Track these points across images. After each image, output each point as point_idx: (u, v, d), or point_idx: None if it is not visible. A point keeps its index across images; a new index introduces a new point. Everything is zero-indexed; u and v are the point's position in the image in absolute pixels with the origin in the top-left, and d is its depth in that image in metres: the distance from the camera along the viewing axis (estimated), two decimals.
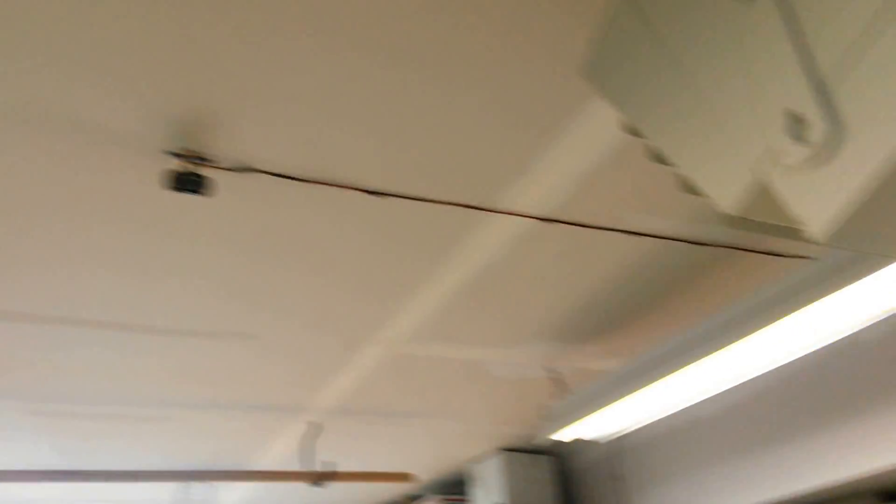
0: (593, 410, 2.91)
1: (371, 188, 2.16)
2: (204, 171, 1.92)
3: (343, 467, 4.63)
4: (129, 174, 1.98)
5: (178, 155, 1.89)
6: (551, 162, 2.09)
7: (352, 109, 1.83)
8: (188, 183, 1.89)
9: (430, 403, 4.06)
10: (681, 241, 2.52)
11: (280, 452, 4.63)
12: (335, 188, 2.14)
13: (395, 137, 1.94)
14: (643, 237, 2.48)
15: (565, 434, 3.16)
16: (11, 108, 1.72)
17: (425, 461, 5.15)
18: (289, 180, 2.07)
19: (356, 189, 2.14)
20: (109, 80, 1.67)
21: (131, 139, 1.86)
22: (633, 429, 3.85)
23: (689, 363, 2.57)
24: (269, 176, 2.04)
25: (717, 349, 2.46)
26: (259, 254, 2.44)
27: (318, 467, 4.27)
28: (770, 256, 2.65)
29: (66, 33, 1.54)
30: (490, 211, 2.30)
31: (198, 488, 5.06)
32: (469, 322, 3.03)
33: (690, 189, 1.17)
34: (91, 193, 2.06)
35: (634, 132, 1.25)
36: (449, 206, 2.28)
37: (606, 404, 2.85)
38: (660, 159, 1.22)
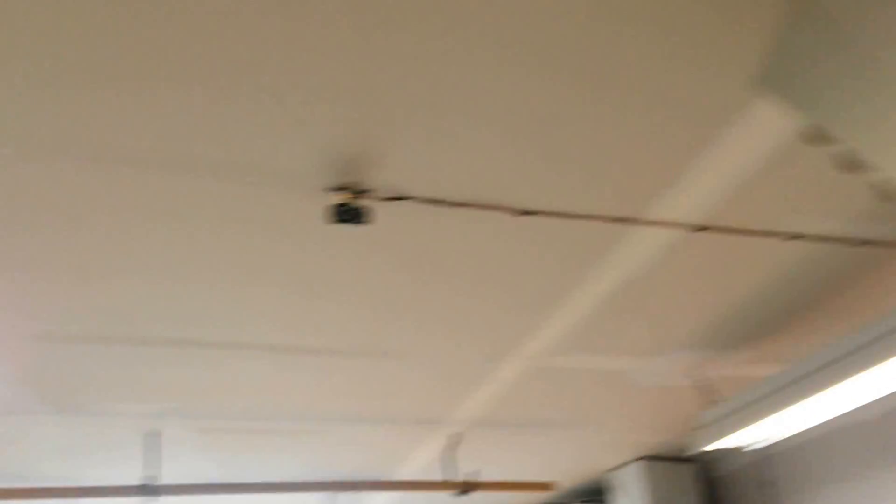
0: (751, 421, 2.81)
1: (519, 207, 2.18)
2: (363, 203, 2.01)
3: (483, 476, 4.68)
4: (292, 208, 2.10)
5: (338, 189, 1.99)
6: (705, 169, 2.04)
7: (500, 130, 1.86)
8: (348, 216, 1.98)
9: (571, 413, 4.03)
10: (843, 241, 2.39)
11: (422, 463, 4.74)
12: (482, 210, 2.18)
13: (543, 153, 1.96)
14: (800, 240, 2.38)
15: (720, 443, 3.06)
16: (179, 156, 1.87)
17: (565, 470, 5.12)
18: (438, 205, 2.13)
19: (504, 209, 2.17)
20: (276, 123, 1.77)
21: (294, 177, 1.97)
22: (786, 436, 3.68)
23: (853, 373, 2.44)
24: (421, 202, 2.11)
25: (883, 358, 2.32)
26: (409, 274, 2.51)
27: (461, 477, 4.33)
28: None
29: (233, 79, 1.64)
30: (640, 223, 2.28)
31: (344, 498, 5.26)
32: (613, 332, 3.00)
33: (891, 195, 1.12)
34: (257, 225, 2.19)
35: (817, 140, 1.21)
36: (594, 220, 2.27)
37: (765, 415, 2.74)
38: (850, 167, 1.17)
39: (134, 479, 4.61)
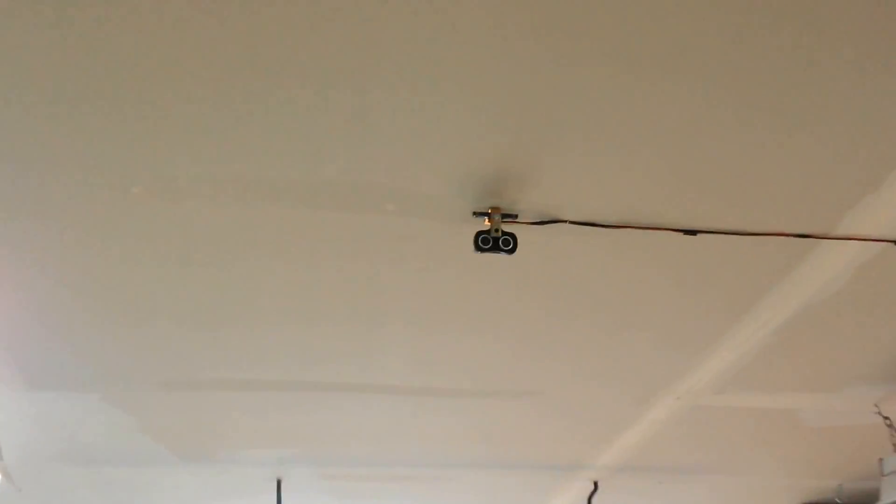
0: None
1: (680, 227, 1.92)
2: (511, 228, 1.80)
3: None
4: (428, 236, 1.92)
5: (483, 214, 1.79)
6: None
7: (658, 144, 1.61)
8: (497, 243, 1.78)
9: (723, 457, 3.65)
10: None
11: None
12: (640, 231, 1.93)
13: (706, 166, 1.69)
14: None
15: None
16: (307, 184, 1.72)
17: None
18: (592, 228, 1.89)
19: (665, 230, 1.91)
20: (419, 143, 1.60)
21: (434, 203, 1.79)
22: None
23: None
24: (572, 225, 1.88)
25: None
26: (552, 306, 2.29)
27: None
28: None
29: (370, 97, 1.47)
30: (825, 238, 1.96)
31: None
32: (783, 366, 2.65)
33: None
34: (386, 258, 2.02)
35: None
36: (770, 239, 1.97)
37: None
38: None
39: None
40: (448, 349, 2.52)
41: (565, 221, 1.86)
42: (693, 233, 1.93)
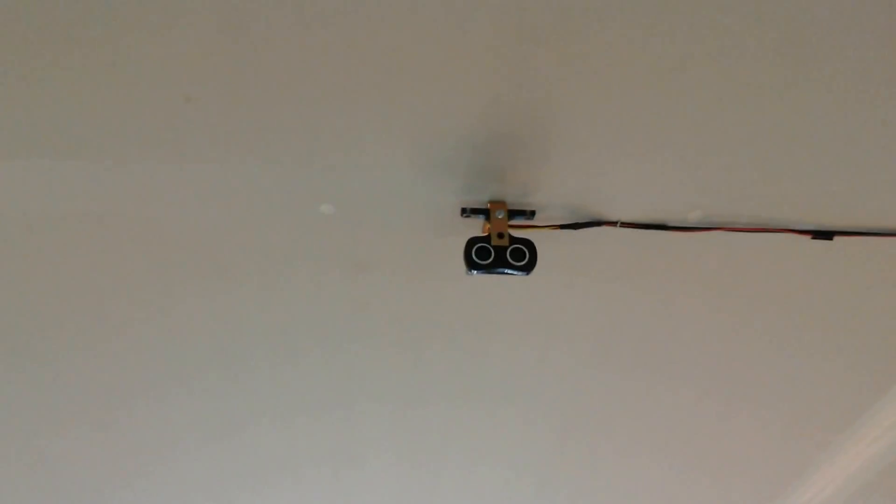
0: None
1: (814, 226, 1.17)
2: (524, 234, 1.07)
3: None
4: (398, 254, 1.19)
5: (480, 212, 1.07)
6: None
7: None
8: (502, 256, 1.04)
9: None
10: None
11: None
12: (750, 235, 1.19)
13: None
14: None
15: None
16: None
17: None
18: (660, 233, 1.16)
19: (791, 231, 1.16)
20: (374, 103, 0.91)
21: (405, 198, 1.08)
22: None
23: None
24: (626, 229, 1.15)
25: None
26: (587, 387, 1.50)
27: None
28: None
29: None
30: None
31: None
32: None
33: None
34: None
35: None
36: None
37: None
38: None
39: None
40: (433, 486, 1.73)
41: (615, 223, 1.13)
42: (829, 236, 1.17)
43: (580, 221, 1.12)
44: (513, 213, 1.09)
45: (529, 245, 1.06)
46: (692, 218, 1.15)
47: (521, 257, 1.05)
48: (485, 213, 1.08)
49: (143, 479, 1.80)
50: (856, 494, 1.99)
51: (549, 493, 1.93)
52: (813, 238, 1.17)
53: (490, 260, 1.05)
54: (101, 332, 1.30)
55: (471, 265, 1.04)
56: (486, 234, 1.07)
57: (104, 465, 1.72)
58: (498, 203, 1.08)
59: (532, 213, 1.09)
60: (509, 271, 1.05)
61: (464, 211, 1.08)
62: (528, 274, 1.06)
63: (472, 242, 1.05)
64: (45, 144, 0.97)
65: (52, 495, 1.83)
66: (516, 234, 1.07)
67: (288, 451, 1.71)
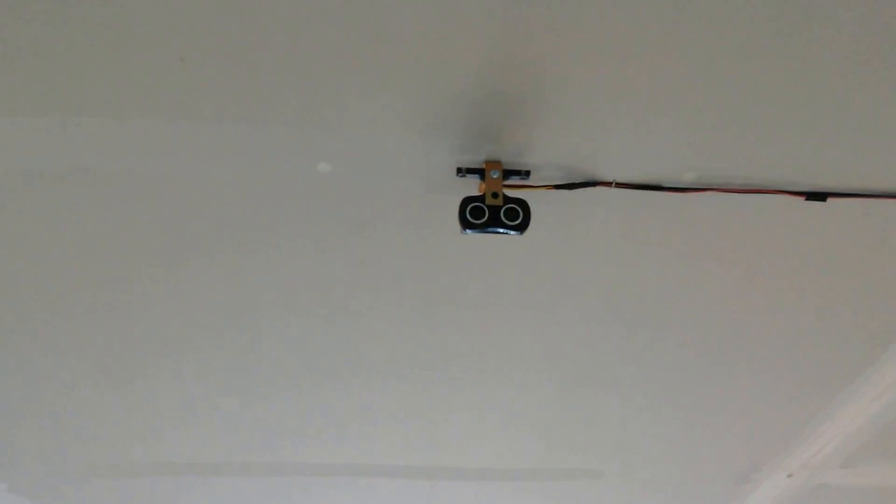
0: None
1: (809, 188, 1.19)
2: (519, 194, 1.10)
3: None
4: (396, 210, 1.22)
5: (475, 172, 1.10)
6: None
7: None
8: (497, 216, 1.07)
9: None
10: None
11: None
12: (743, 196, 1.21)
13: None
14: None
15: None
16: None
17: None
18: (657, 193, 1.18)
19: (786, 193, 1.18)
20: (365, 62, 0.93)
21: (402, 158, 1.11)
22: None
23: None
24: (621, 189, 1.17)
25: None
26: (600, 334, 1.54)
27: None
28: None
29: None
30: None
31: None
32: None
33: None
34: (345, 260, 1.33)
35: None
36: None
37: None
38: None
39: None
40: (452, 417, 1.78)
41: (610, 184, 1.15)
42: (822, 197, 1.19)
43: (575, 182, 1.15)
44: (508, 173, 1.11)
45: (523, 205, 1.09)
46: (687, 179, 1.17)
47: (515, 217, 1.08)
48: (480, 172, 1.10)
49: (154, 433, 1.88)
50: (856, 452, 2.04)
51: (553, 448, 1.99)
52: (806, 199, 1.18)
53: (484, 219, 1.08)
54: (93, 293, 1.36)
55: (465, 224, 1.07)
56: (481, 193, 1.10)
57: (117, 420, 1.80)
58: (493, 163, 1.11)
59: (527, 174, 1.12)
60: (503, 231, 1.08)
61: (459, 171, 1.11)
62: (521, 233, 1.09)
63: (466, 202, 1.08)
64: (43, 102, 1.01)
65: (68, 448, 1.92)
66: (511, 193, 1.10)
67: (292, 409, 1.78)
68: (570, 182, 1.14)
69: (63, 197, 1.15)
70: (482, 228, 1.07)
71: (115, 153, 1.08)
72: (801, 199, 1.18)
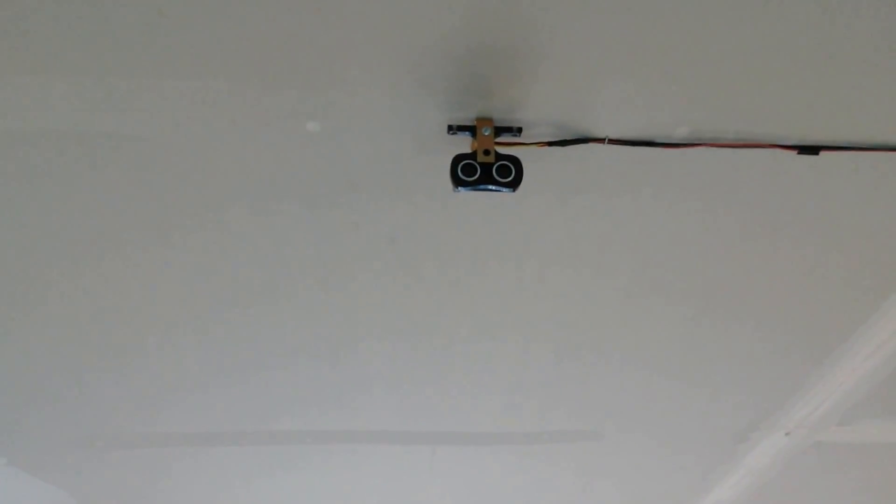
0: None
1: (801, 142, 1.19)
2: (511, 151, 1.10)
3: None
4: (385, 172, 1.22)
5: (467, 129, 1.09)
6: None
7: None
8: (489, 173, 1.07)
9: None
10: None
11: None
12: (735, 150, 1.21)
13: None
14: None
15: None
16: None
17: None
18: (650, 149, 1.18)
19: (779, 147, 1.18)
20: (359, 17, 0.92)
21: (393, 116, 1.10)
22: None
23: None
24: (614, 146, 1.17)
25: None
26: (597, 295, 1.55)
27: None
28: None
29: None
30: None
31: None
32: None
33: None
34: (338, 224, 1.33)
35: None
36: None
37: None
38: None
39: None
40: (453, 380, 1.80)
41: (602, 140, 1.15)
42: (815, 151, 1.19)
43: (567, 138, 1.15)
44: (499, 130, 1.11)
45: (515, 161, 1.09)
46: (679, 134, 1.17)
47: (507, 174, 1.08)
48: (471, 130, 1.10)
49: (152, 405, 1.90)
50: (853, 409, 2.06)
51: (552, 411, 2.01)
52: (799, 153, 1.18)
53: (476, 177, 1.08)
54: (87, 264, 1.36)
55: (457, 182, 1.08)
56: (472, 151, 1.10)
57: (114, 393, 1.81)
58: (484, 120, 1.11)
59: (519, 130, 1.12)
60: (495, 188, 1.08)
61: (450, 128, 1.10)
62: (514, 191, 1.09)
63: (458, 159, 1.08)
64: (14, 62, 1.00)
65: (67, 422, 1.94)
66: (503, 150, 1.10)
67: (290, 378, 1.79)
68: (562, 139, 1.14)
69: (43, 162, 1.14)
70: (474, 186, 1.08)
71: (91, 115, 1.07)
72: (793, 153, 1.18)
